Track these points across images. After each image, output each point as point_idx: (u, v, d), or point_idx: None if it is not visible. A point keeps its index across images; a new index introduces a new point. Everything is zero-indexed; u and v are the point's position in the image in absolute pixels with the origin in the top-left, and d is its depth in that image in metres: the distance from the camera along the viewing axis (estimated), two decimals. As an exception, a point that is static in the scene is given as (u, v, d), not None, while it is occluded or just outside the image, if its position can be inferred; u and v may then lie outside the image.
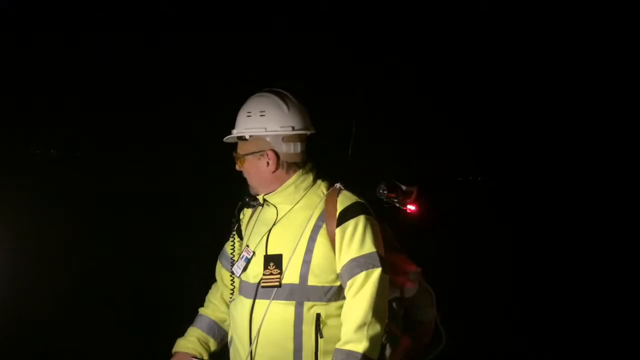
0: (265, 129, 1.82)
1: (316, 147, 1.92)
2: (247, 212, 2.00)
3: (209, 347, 1.99)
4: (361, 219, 1.80)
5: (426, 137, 8.50)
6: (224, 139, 1.90)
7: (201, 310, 2.05)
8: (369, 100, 7.61)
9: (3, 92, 7.05)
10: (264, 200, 1.89)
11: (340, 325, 1.79)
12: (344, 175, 1.92)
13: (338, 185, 1.88)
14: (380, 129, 7.82)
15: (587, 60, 7.88)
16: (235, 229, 2.00)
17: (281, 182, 1.85)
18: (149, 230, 5.84)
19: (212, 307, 2.03)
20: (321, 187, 1.89)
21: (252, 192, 1.91)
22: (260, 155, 1.84)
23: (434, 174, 8.40)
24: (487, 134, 8.87)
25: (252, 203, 1.94)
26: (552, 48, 7.81)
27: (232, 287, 1.96)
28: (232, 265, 1.95)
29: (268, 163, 1.83)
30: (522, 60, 8.03)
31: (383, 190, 1.92)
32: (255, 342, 1.79)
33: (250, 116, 1.85)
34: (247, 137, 1.85)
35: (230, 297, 1.98)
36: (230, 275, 1.97)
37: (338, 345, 1.74)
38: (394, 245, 1.93)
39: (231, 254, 1.97)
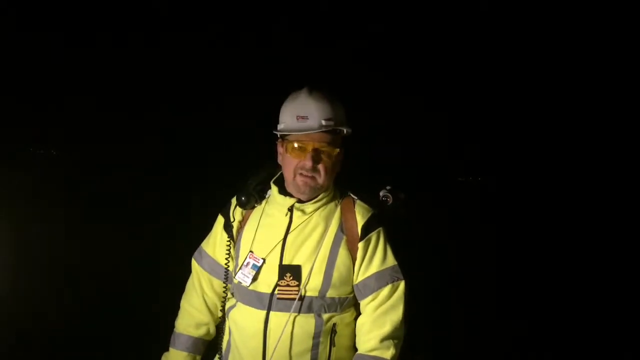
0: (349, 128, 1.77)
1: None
2: (241, 212, 1.89)
3: None
4: (381, 232, 1.80)
5: (426, 136, 8.50)
6: (320, 129, 1.72)
7: (180, 327, 1.95)
8: (368, 101, 7.62)
9: (3, 92, 7.05)
10: (292, 207, 1.78)
11: (350, 334, 1.79)
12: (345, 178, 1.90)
13: (349, 193, 1.85)
14: (379, 130, 7.83)
15: (587, 61, 7.88)
16: (230, 234, 1.88)
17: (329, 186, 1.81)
18: (149, 230, 5.84)
19: (193, 320, 1.94)
20: (337, 194, 1.84)
21: (301, 195, 1.78)
22: (342, 153, 1.79)
23: (434, 174, 8.41)
24: (487, 134, 8.86)
25: (250, 204, 1.84)
26: (552, 48, 7.81)
27: (224, 294, 1.89)
28: (226, 272, 1.86)
29: (341, 162, 1.80)
30: (522, 60, 8.03)
31: (386, 197, 1.91)
32: (271, 355, 1.73)
33: (339, 109, 1.76)
34: (345, 131, 1.77)
35: (222, 306, 1.91)
36: (224, 283, 1.88)
37: (363, 352, 1.73)
38: None
39: (226, 259, 1.87)
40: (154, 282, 4.19)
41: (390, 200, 1.90)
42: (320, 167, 1.74)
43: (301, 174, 1.75)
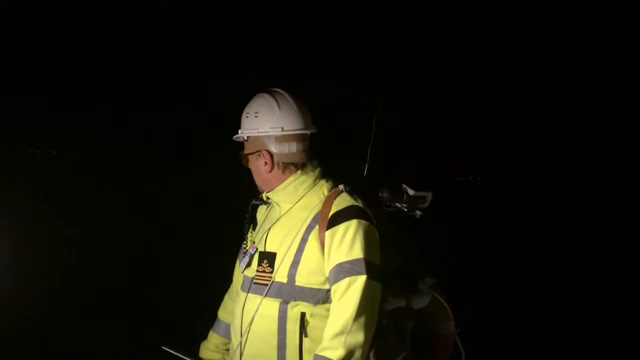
0: (257, 129, 1.85)
1: (329, 148, 1.93)
2: (262, 209, 2.03)
3: (227, 347, 2.08)
4: (353, 224, 1.75)
5: (426, 137, 8.51)
6: (234, 137, 1.94)
7: (219, 314, 2.14)
8: (372, 101, 7.61)
9: (3, 92, 7.06)
10: (267, 197, 1.91)
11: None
12: (354, 176, 1.90)
13: (341, 186, 1.84)
14: (380, 130, 7.83)
15: (587, 61, 7.89)
16: (248, 225, 2.02)
17: (280, 181, 1.85)
18: (149, 230, 5.84)
19: (227, 309, 2.10)
20: (323, 187, 1.86)
21: (259, 190, 1.93)
22: (258, 155, 1.86)
23: (434, 174, 8.42)
24: (487, 134, 8.87)
25: (261, 201, 1.96)
26: (552, 49, 7.82)
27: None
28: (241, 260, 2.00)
29: (265, 163, 1.85)
30: (523, 61, 8.03)
31: (385, 194, 1.89)
32: (245, 334, 1.82)
33: (247, 117, 1.88)
34: (245, 138, 1.89)
35: None
36: (242, 272, 1.99)
37: (317, 351, 1.71)
38: (408, 250, 1.90)
39: (244, 246, 2.00)
40: (154, 283, 4.20)
41: (388, 198, 1.88)
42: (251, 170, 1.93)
43: None
